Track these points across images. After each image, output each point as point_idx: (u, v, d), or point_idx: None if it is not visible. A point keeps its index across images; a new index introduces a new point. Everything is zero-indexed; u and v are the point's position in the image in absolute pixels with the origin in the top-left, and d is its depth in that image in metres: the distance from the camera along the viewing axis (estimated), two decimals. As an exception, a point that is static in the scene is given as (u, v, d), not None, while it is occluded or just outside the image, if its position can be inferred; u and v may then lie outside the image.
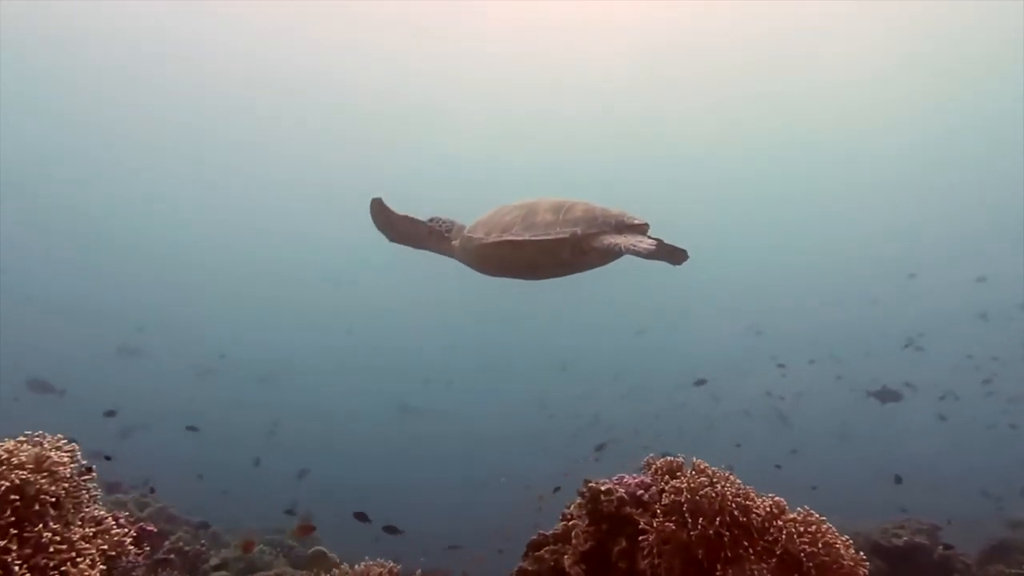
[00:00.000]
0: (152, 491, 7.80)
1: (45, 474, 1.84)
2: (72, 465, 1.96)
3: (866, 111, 27.51)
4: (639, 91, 27.34)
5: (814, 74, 25.79)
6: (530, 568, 2.37)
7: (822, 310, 28.10)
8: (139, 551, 2.04)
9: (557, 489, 6.46)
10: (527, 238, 3.72)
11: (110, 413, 9.30)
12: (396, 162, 29.56)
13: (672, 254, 4.04)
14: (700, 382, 12.29)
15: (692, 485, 2.13)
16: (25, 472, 1.79)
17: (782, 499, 2.10)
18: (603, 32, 24.35)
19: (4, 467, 1.77)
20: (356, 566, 2.50)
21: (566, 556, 2.28)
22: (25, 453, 1.83)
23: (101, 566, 1.87)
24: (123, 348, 23.45)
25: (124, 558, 2.01)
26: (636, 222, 3.71)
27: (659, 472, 2.32)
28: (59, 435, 2.00)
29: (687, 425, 17.83)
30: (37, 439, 1.93)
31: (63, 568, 1.78)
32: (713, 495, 2.09)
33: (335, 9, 23.35)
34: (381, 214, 4.39)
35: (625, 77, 26.55)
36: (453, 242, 4.34)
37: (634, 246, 3.47)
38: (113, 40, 23.83)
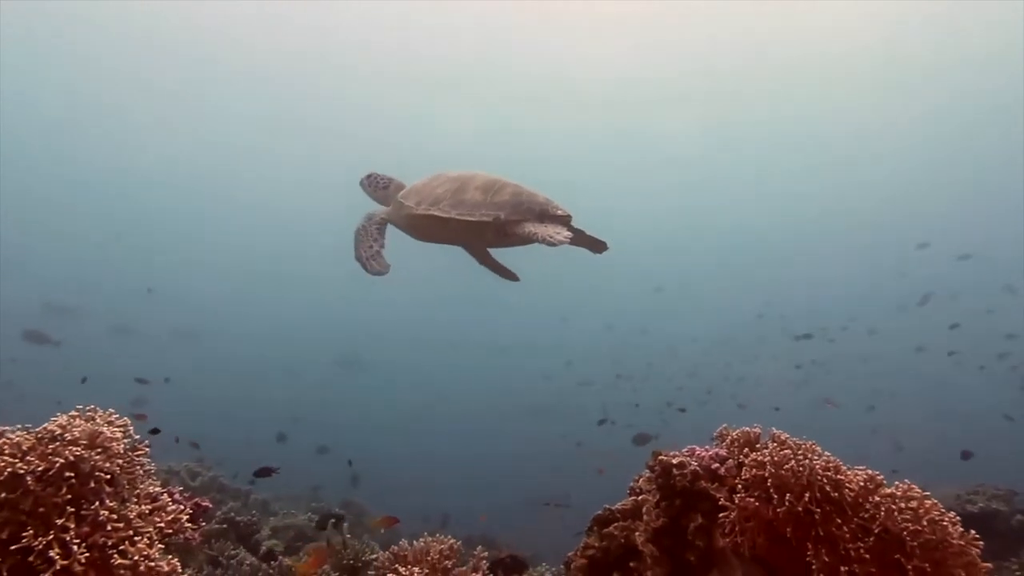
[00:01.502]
0: (196, 446, 7.94)
1: (99, 450, 1.76)
2: (125, 440, 1.88)
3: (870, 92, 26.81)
4: (646, 76, 26.80)
5: (817, 57, 25.09)
6: (597, 544, 2.25)
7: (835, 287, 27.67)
8: (195, 527, 1.96)
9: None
10: (453, 216, 3.83)
11: (141, 380, 9.29)
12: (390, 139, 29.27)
13: (593, 244, 4.33)
14: (805, 336, 12.32)
15: (776, 458, 1.97)
16: (79, 448, 1.71)
17: (877, 472, 1.94)
18: (605, 23, 23.92)
19: (58, 443, 1.69)
20: (416, 543, 2.42)
21: (637, 533, 2.15)
22: (78, 428, 1.74)
23: (159, 544, 1.79)
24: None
25: (181, 535, 1.93)
26: (559, 213, 3.87)
27: (735, 444, 2.17)
28: (110, 409, 1.92)
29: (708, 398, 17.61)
30: (89, 413, 1.85)
31: (121, 547, 1.70)
32: (800, 468, 1.94)
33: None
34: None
35: (632, 65, 26.05)
36: (389, 204, 4.46)
37: (550, 237, 3.60)
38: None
